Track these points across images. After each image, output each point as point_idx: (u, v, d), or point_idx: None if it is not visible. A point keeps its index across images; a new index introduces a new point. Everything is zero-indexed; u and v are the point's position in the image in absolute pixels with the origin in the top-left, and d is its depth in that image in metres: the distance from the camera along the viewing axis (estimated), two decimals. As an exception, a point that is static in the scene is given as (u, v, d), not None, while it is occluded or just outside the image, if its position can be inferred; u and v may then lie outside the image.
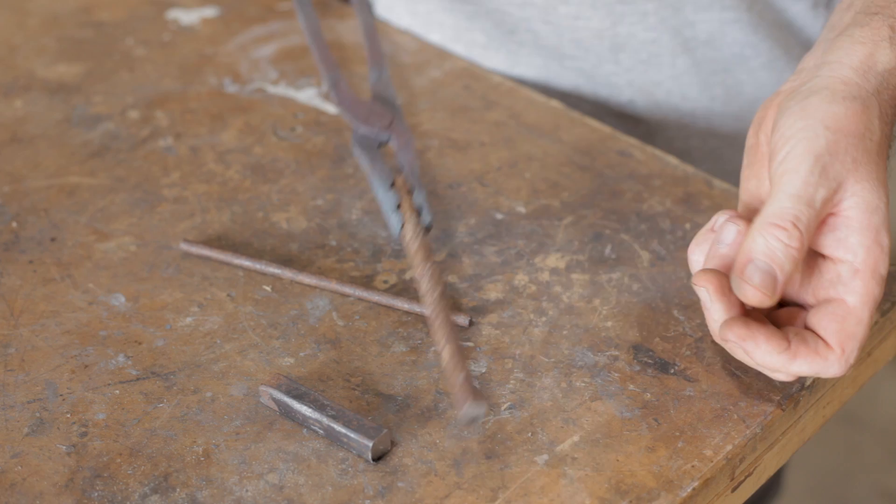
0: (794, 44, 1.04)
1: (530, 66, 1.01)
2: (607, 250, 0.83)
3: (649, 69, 1.01)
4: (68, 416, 0.73)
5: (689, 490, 0.69)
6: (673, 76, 1.02)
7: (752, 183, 0.76)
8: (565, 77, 1.01)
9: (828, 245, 0.71)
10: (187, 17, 1.05)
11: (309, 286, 0.81)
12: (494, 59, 1.02)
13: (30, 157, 0.91)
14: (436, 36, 1.03)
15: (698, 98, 1.04)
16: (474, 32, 1.02)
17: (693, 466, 0.70)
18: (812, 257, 0.72)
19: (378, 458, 0.71)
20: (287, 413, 0.72)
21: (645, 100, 1.03)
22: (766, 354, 0.69)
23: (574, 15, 0.98)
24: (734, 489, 0.74)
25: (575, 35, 0.99)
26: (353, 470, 0.70)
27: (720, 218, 0.74)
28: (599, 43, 0.99)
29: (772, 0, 1.01)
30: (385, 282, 0.81)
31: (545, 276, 0.81)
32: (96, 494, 0.69)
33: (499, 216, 0.86)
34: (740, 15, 1.00)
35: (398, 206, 0.81)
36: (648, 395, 0.74)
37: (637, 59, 1.01)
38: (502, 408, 0.73)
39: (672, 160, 0.90)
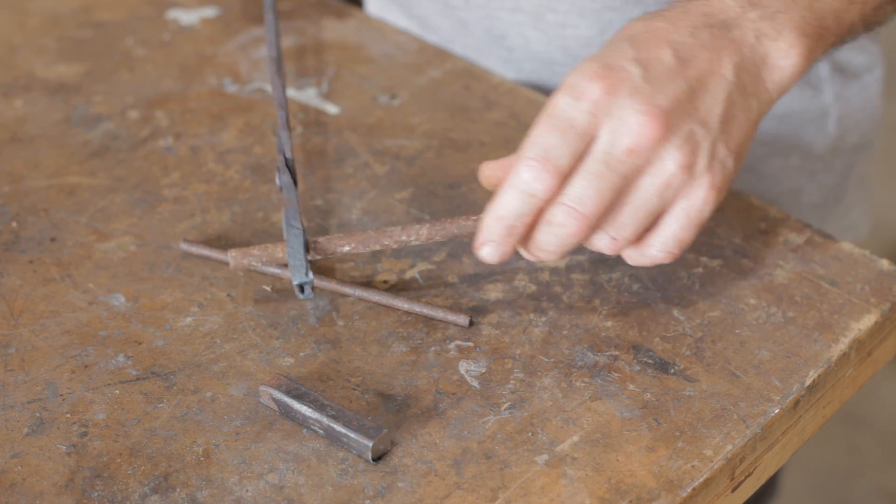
0: None
1: (521, 71, 1.02)
2: (607, 250, 0.83)
3: None
4: (68, 416, 0.73)
5: (689, 490, 0.69)
6: None
7: None
8: (555, 82, 1.01)
9: None
10: (187, 17, 1.05)
11: (309, 286, 0.81)
12: (487, 62, 1.02)
13: (30, 157, 0.90)
14: (433, 38, 1.04)
15: None
16: (467, 37, 1.02)
17: (693, 466, 0.70)
18: None
19: (378, 458, 0.71)
20: (287, 413, 0.72)
21: None
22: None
23: (562, 23, 0.98)
24: (734, 489, 0.73)
25: (563, 43, 0.99)
26: (353, 470, 0.70)
27: None
28: (588, 50, 0.99)
29: None
30: (385, 282, 0.81)
31: (545, 276, 0.81)
32: (96, 494, 0.69)
33: (499, 216, 0.86)
34: None
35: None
36: (648, 395, 0.74)
37: None
38: (502, 408, 0.73)
39: (672, 160, 0.90)
